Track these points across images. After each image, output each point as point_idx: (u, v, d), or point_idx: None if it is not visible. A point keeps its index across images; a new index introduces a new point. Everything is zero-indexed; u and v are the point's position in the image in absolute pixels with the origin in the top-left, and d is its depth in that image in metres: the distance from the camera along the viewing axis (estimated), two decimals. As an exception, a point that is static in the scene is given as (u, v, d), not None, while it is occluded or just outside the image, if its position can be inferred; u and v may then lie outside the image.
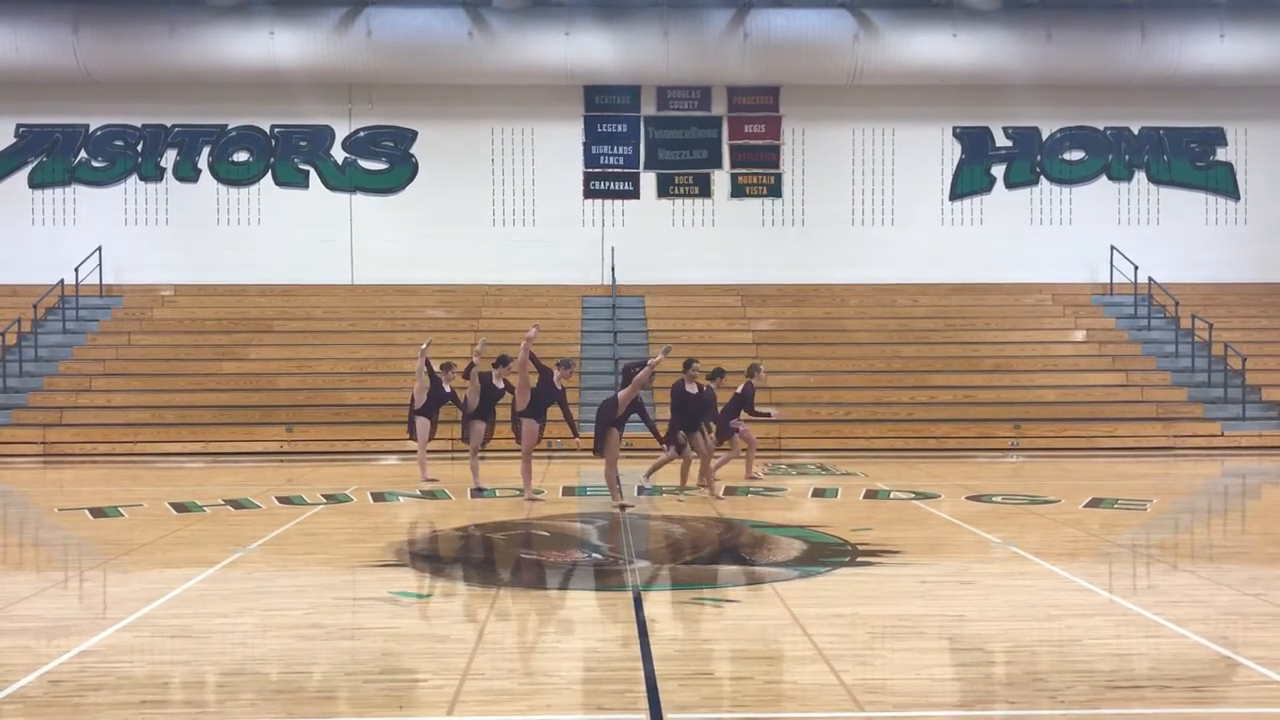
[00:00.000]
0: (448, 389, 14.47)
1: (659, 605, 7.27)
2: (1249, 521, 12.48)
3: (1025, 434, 19.03)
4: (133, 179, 23.43)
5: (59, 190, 23.35)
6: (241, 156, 23.55)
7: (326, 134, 23.55)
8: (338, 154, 23.59)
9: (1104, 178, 24.05)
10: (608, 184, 23.71)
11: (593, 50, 22.27)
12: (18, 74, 22.19)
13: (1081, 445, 18.83)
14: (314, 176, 23.58)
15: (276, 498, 12.97)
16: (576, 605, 7.61)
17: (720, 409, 13.82)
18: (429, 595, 7.91)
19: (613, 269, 23.05)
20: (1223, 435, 19.25)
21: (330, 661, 6.04)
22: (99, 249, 22.83)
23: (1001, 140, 23.96)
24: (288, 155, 23.56)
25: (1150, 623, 6.84)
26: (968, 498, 12.86)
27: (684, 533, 10.50)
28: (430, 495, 13.29)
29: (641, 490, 13.01)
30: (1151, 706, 5.25)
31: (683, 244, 23.52)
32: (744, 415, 14.43)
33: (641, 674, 5.70)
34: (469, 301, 22.76)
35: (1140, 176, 24.03)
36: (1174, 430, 19.21)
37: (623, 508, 11.55)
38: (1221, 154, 24.08)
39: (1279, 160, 23.93)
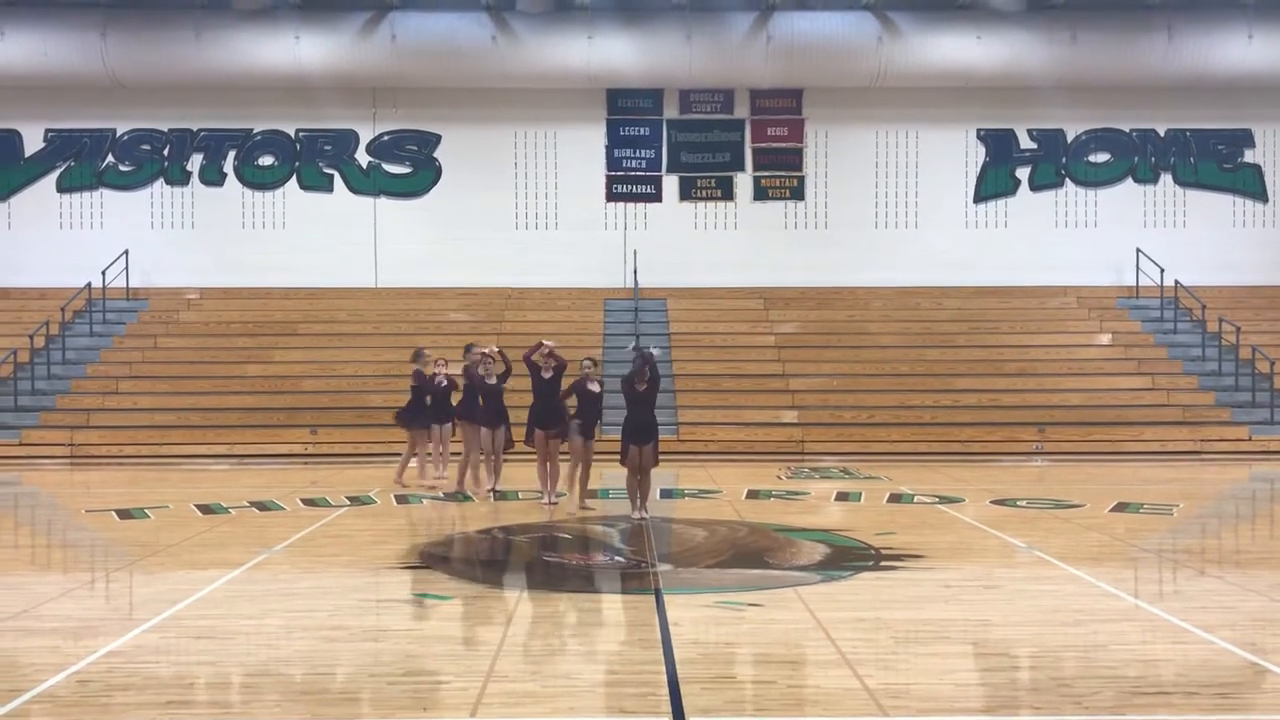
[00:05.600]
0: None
1: (681, 608, 7.27)
2: (1277, 526, 12.36)
3: (1050, 438, 18.91)
4: (159, 183, 23.59)
5: (86, 194, 23.55)
6: (266, 160, 23.68)
7: (351, 138, 23.66)
8: (362, 158, 23.69)
9: (1130, 180, 23.87)
10: (630, 187, 23.72)
11: (615, 54, 22.28)
12: (46, 79, 22.39)
13: (1107, 449, 18.69)
14: (338, 180, 23.68)
15: (301, 500, 13.04)
16: (599, 608, 7.62)
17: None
18: (452, 597, 7.93)
19: (635, 272, 23.06)
20: (1250, 440, 19.06)
21: (354, 663, 6.07)
22: (126, 252, 23.01)
23: (1026, 142, 23.82)
24: (312, 159, 23.68)
25: (1177, 628, 6.79)
26: (992, 502, 12.80)
27: (706, 536, 10.49)
28: (453, 498, 13.33)
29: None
30: (1179, 713, 5.21)
31: (705, 247, 23.49)
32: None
33: (664, 677, 5.70)
34: (492, 304, 22.81)
35: (1166, 178, 23.84)
36: (1201, 434, 19.04)
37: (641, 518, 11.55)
38: (1249, 156, 23.85)
39: (1308, 162, 23.72)
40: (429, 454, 14.83)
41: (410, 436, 14.67)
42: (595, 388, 12.38)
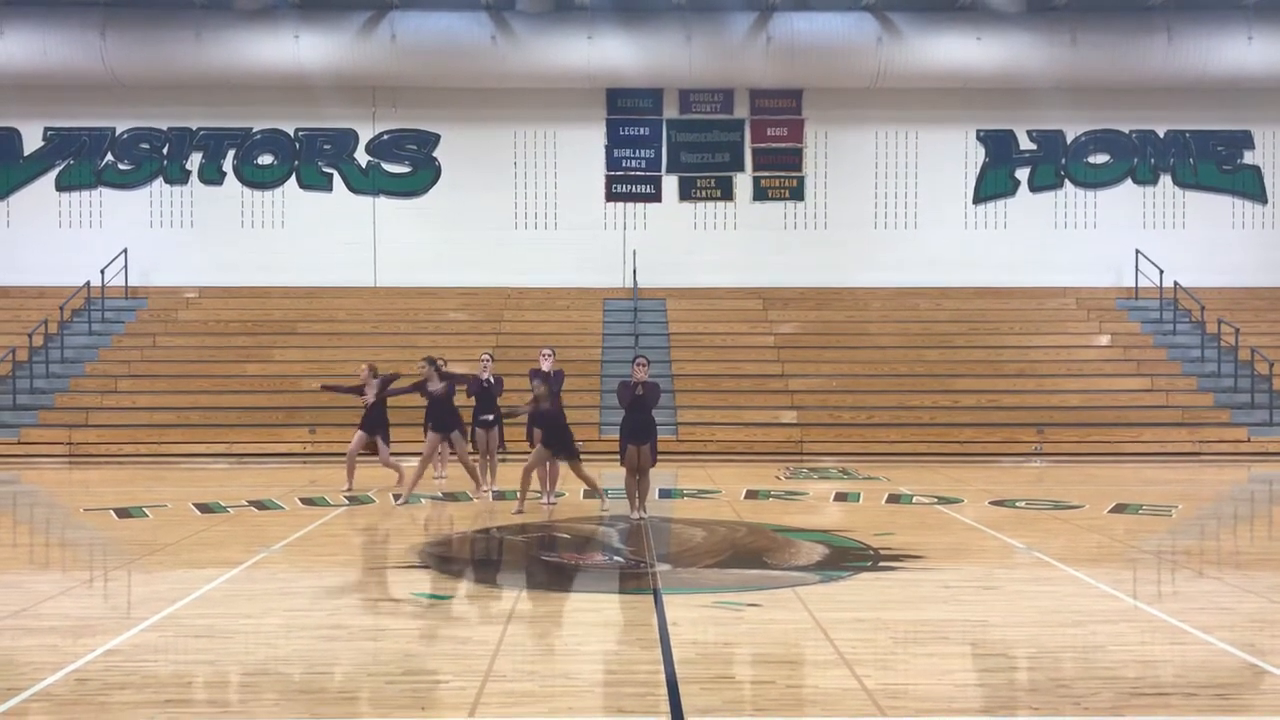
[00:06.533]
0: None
1: (680, 608, 7.27)
2: (1276, 527, 12.36)
3: (1049, 439, 18.91)
4: (158, 182, 23.58)
5: (85, 193, 23.54)
6: (266, 159, 23.67)
7: (350, 137, 23.66)
8: (361, 157, 23.68)
9: (1129, 181, 23.87)
10: (630, 187, 23.71)
11: (615, 54, 22.27)
12: (46, 78, 22.38)
13: (1106, 450, 18.69)
14: (338, 179, 23.67)
15: (299, 499, 13.04)
16: (598, 608, 7.61)
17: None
18: (451, 597, 7.93)
19: (634, 272, 23.06)
20: (1249, 441, 19.06)
21: (352, 662, 6.07)
22: (125, 251, 23.00)
23: (1025, 143, 23.82)
24: (312, 158, 23.67)
25: (1176, 629, 6.79)
26: (991, 503, 12.80)
27: (705, 536, 10.49)
28: (452, 497, 13.33)
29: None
30: (1177, 714, 5.21)
31: (705, 247, 23.49)
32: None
33: (663, 677, 5.70)
34: (491, 304, 22.81)
35: (1166, 180, 23.84)
36: (1200, 435, 19.05)
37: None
38: (1249, 157, 23.86)
39: (1307, 164, 23.74)
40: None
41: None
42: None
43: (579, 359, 20.15)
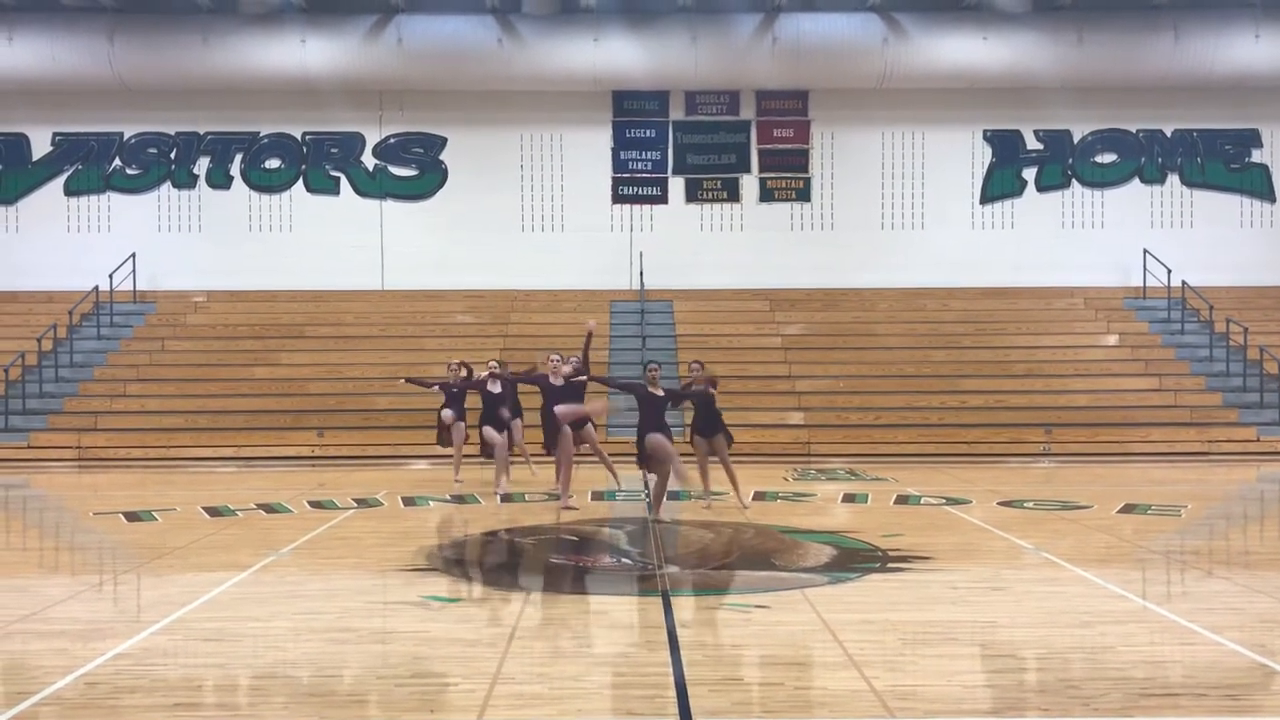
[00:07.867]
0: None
1: (689, 610, 7.27)
2: (1286, 528, 12.31)
3: (1057, 439, 18.87)
4: (166, 186, 23.65)
5: (94, 197, 23.62)
6: (273, 163, 23.73)
7: (357, 141, 23.70)
8: (368, 160, 23.73)
9: (1136, 180, 23.83)
10: (636, 189, 23.72)
11: (621, 56, 22.29)
12: (54, 83, 22.46)
13: (1114, 450, 18.65)
14: (345, 183, 23.72)
15: (308, 502, 13.05)
16: (606, 610, 7.61)
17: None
18: (459, 599, 7.94)
19: (641, 274, 23.06)
20: (1258, 440, 19.01)
21: (361, 665, 6.08)
22: (133, 255, 23.06)
23: (1032, 143, 23.79)
24: (319, 162, 23.72)
25: (1185, 630, 6.77)
26: (999, 503, 12.77)
27: (713, 538, 10.49)
28: (460, 499, 13.34)
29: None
30: (1187, 715, 5.19)
31: (711, 248, 23.50)
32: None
33: (671, 679, 5.70)
34: (498, 307, 22.83)
35: (1173, 179, 23.80)
36: (1208, 435, 19.00)
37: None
38: (1257, 156, 23.81)
39: (1315, 162, 23.67)
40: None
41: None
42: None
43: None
